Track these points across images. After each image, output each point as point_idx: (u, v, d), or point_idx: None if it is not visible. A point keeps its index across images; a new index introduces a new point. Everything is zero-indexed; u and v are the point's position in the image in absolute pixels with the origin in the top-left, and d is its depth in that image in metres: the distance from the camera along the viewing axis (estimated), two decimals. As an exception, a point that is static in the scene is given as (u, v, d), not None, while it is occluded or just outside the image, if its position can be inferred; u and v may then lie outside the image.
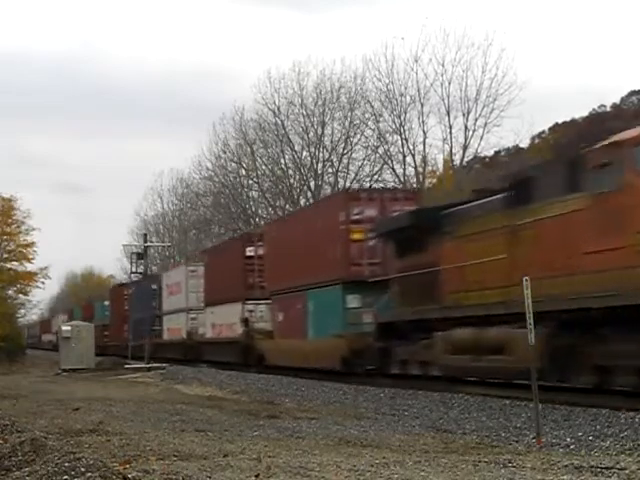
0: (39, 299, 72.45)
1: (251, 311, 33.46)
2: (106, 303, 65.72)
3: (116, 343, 56.70)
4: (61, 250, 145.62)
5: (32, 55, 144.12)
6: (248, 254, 34.47)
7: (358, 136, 51.18)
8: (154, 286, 49.39)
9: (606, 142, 14.43)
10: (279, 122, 53.22)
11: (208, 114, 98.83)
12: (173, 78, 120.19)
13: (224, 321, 36.12)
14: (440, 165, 50.10)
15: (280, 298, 29.91)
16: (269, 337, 30.97)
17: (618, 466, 8.22)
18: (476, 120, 45.90)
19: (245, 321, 33.40)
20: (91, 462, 7.50)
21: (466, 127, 45.92)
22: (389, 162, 48.86)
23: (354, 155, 51.76)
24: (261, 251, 33.58)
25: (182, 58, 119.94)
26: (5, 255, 57.07)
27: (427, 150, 47.21)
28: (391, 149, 48.84)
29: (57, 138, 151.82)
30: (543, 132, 57.03)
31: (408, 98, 47.00)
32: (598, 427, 12.11)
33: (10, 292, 58.89)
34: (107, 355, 52.44)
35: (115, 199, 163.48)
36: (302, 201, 52.79)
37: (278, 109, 53.01)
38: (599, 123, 45.39)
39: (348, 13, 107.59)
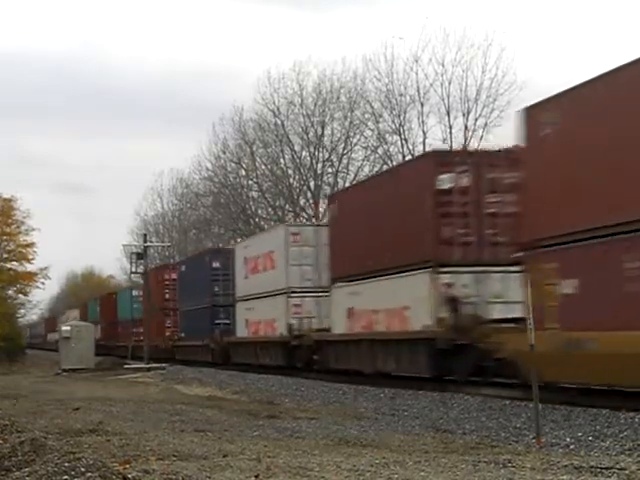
0: (39, 299, 72.51)
1: (448, 284, 19.48)
2: (134, 293, 53.10)
3: (153, 343, 42.85)
4: (61, 250, 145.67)
5: (32, 55, 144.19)
6: (442, 187, 19.79)
7: (358, 136, 51.20)
8: (216, 264, 37.82)
9: None
10: (279, 122, 53.25)
11: (208, 114, 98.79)
12: (173, 78, 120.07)
13: (385, 305, 21.83)
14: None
15: (571, 252, 14.88)
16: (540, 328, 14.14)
17: (618, 466, 8.22)
18: (476, 120, 45.88)
19: (452, 302, 19.26)
20: (91, 462, 7.52)
21: (466, 127, 45.89)
22: (389, 162, 48.83)
23: (354, 155, 51.78)
24: (465, 180, 19.69)
25: (182, 58, 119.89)
26: (5, 255, 57.11)
27: (427, 150, 47.11)
28: (391, 149, 48.85)
29: (57, 138, 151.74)
30: (543, 132, 56.94)
31: (408, 98, 46.97)
32: (598, 427, 12.12)
33: (10, 292, 58.92)
34: (142, 359, 41.99)
35: (115, 199, 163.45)
36: (302, 201, 52.81)
37: (278, 109, 53.05)
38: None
39: (348, 13, 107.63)
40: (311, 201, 51.65)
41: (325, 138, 52.16)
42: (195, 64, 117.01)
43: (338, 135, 51.88)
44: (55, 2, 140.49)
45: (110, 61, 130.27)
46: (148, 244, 46.07)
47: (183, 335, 42.37)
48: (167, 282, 44.88)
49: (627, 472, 7.90)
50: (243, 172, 57.47)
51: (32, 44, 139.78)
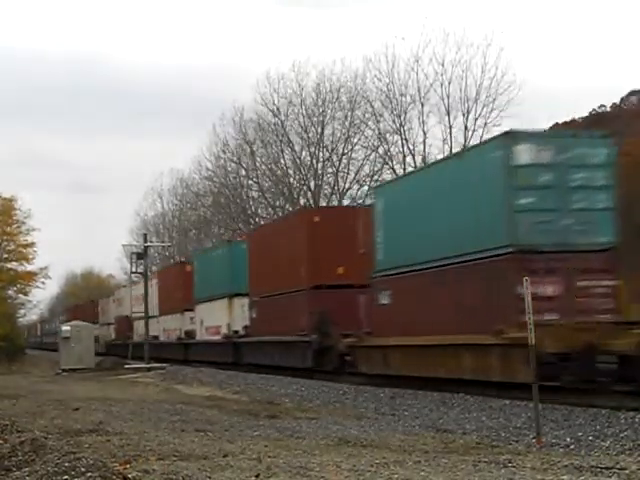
0: (39, 299, 72.55)
1: None
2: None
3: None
4: (61, 250, 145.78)
5: (34, 55, 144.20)
6: None
7: (358, 136, 51.22)
8: None
9: None
10: (279, 122, 53.28)
11: (208, 114, 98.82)
12: (173, 79, 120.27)
13: None
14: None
15: None
16: None
17: (618, 466, 8.22)
18: (476, 120, 45.89)
19: None
20: (91, 462, 7.51)
21: (466, 127, 45.90)
22: (389, 162, 48.86)
23: (354, 155, 51.80)
24: None
25: (182, 58, 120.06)
26: (5, 255, 57.12)
27: (427, 150, 47.19)
28: (391, 149, 48.85)
29: (57, 138, 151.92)
30: (543, 132, 56.94)
31: (408, 98, 47.00)
32: (598, 427, 12.11)
33: (10, 292, 58.92)
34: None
35: (115, 199, 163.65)
36: (302, 201, 52.79)
37: (277, 109, 53.08)
38: (599, 123, 45.34)
39: (349, 13, 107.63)
40: (311, 201, 51.63)
41: (325, 138, 52.21)
42: (196, 64, 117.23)
43: (338, 135, 51.96)
44: (60, 3, 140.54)
45: (110, 62, 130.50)
46: (148, 244, 45.94)
47: None
48: None
49: (627, 472, 7.90)
50: (243, 172, 57.54)
51: (35, 45, 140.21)
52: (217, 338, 35.86)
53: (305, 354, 26.25)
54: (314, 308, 25.66)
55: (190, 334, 41.17)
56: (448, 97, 45.93)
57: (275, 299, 29.51)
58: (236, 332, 33.95)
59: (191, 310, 40.82)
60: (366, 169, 50.84)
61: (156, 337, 47.58)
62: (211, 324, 37.28)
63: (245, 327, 33.13)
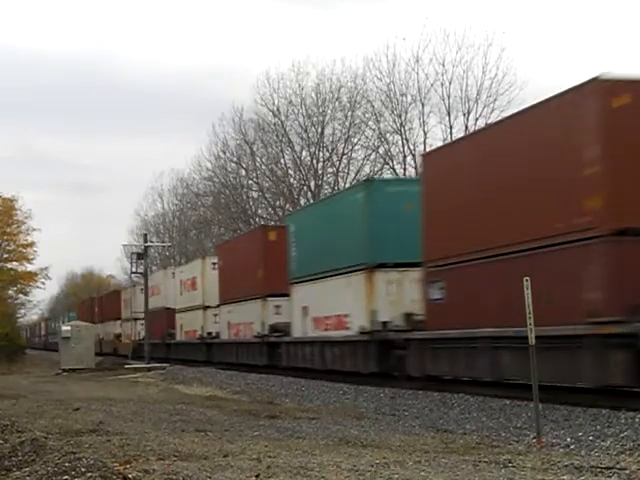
0: (39, 299, 72.61)
1: None
2: None
3: None
4: (61, 250, 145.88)
5: (34, 54, 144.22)
6: None
7: (358, 136, 51.22)
8: None
9: None
10: (279, 122, 53.28)
11: (208, 114, 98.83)
12: (173, 79, 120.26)
13: None
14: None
15: None
16: None
17: (618, 466, 8.22)
18: (476, 120, 45.90)
19: None
20: (91, 462, 7.51)
21: (466, 127, 45.88)
22: (389, 162, 48.86)
23: (354, 155, 51.81)
24: None
25: (182, 59, 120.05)
26: (5, 255, 57.15)
27: (428, 150, 47.12)
28: (392, 149, 48.86)
29: (58, 138, 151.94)
30: (543, 132, 56.98)
31: (409, 98, 47.01)
32: (598, 427, 12.10)
33: (10, 292, 58.96)
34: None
35: (116, 199, 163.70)
36: (302, 201, 52.82)
37: (277, 109, 53.08)
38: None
39: (348, 12, 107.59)
40: (312, 201, 51.64)
41: (325, 138, 52.21)
42: (195, 64, 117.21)
43: (338, 135, 51.96)
44: (60, 3, 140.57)
45: (110, 62, 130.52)
46: (148, 244, 45.91)
47: None
48: None
49: (627, 472, 7.90)
50: (243, 172, 57.52)
51: (35, 45, 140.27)
52: (345, 334, 23.22)
53: (603, 360, 13.82)
54: (617, 271, 13.66)
55: (280, 329, 28.62)
56: (449, 97, 45.99)
57: (500, 263, 16.44)
58: (384, 324, 21.65)
59: (279, 295, 28.80)
60: (366, 169, 50.89)
61: (211, 334, 36.73)
62: (325, 313, 24.67)
63: (408, 316, 20.83)
